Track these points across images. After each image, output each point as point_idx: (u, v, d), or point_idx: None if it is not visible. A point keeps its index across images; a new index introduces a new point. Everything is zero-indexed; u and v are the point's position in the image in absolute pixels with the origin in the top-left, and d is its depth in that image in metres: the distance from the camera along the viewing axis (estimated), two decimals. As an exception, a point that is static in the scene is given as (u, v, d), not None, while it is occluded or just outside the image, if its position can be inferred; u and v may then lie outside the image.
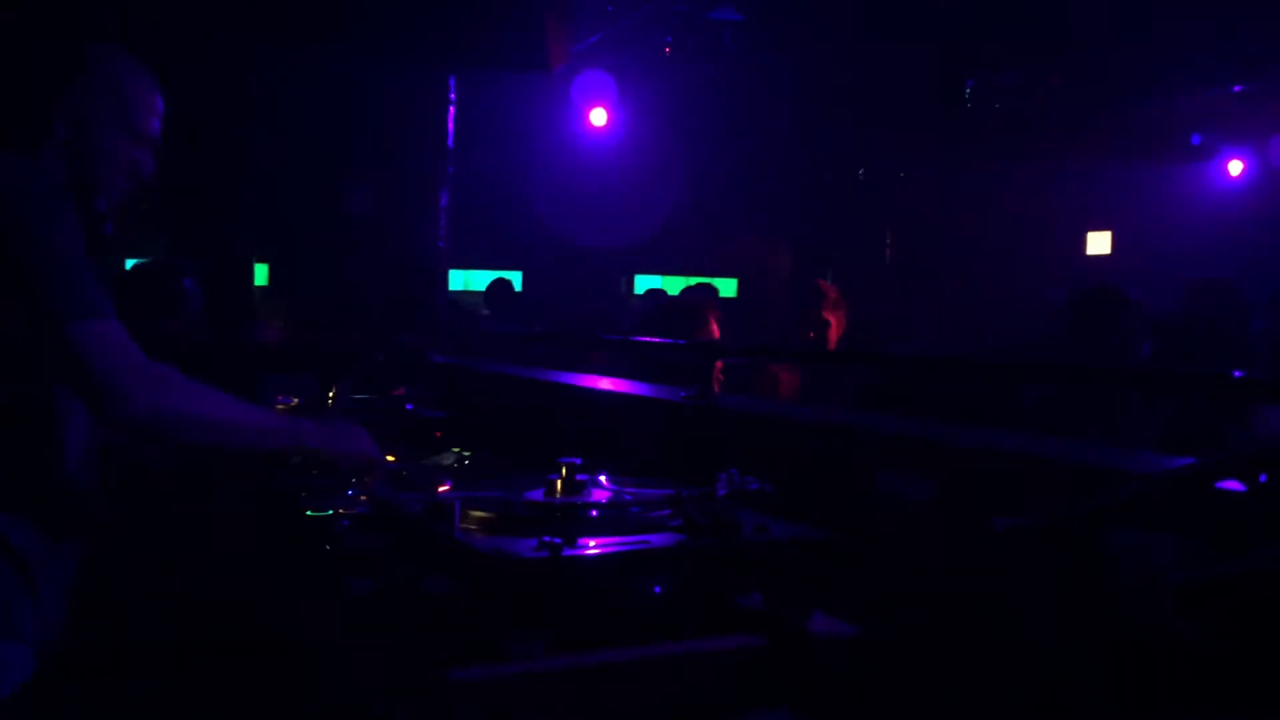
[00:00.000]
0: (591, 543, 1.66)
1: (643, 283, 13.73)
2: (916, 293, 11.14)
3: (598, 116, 9.42)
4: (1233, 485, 1.41)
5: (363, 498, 2.15)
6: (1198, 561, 1.31)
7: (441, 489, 2.08)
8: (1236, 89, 9.35)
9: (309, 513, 2.22)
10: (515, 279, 12.12)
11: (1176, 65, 8.57)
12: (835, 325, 5.33)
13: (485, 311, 9.11)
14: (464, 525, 1.76)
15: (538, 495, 1.90)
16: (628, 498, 1.90)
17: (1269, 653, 1.19)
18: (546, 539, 1.61)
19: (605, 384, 3.51)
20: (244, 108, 6.39)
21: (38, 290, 1.66)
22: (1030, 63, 8.78)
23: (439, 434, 2.99)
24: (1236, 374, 1.92)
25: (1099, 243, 13.59)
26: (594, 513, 1.81)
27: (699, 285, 8.08)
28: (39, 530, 1.81)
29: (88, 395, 1.68)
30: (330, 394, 3.39)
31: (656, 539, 1.71)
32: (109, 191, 1.95)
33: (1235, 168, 11.19)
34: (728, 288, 13.98)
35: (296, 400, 3.39)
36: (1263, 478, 1.36)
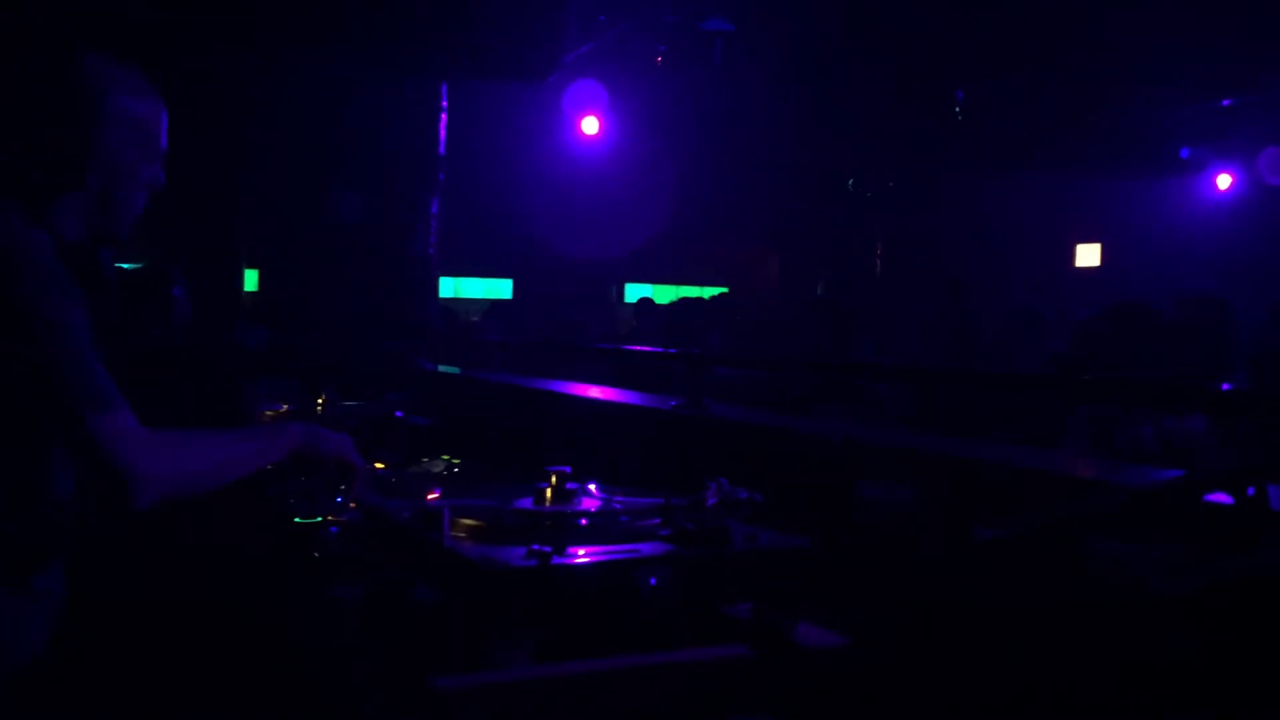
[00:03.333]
0: (581, 551, 1.66)
1: (633, 291, 13.75)
2: (905, 303, 11.16)
3: (589, 125, 9.43)
4: (1218, 498, 1.43)
5: (351, 505, 2.15)
6: (1182, 573, 1.31)
7: (431, 496, 2.08)
8: (1225, 103, 9.40)
9: (298, 519, 2.22)
10: (505, 287, 12.13)
11: (1166, 79, 8.61)
12: None
13: (475, 319, 9.11)
14: (453, 533, 1.76)
15: (527, 503, 1.90)
16: (617, 506, 1.90)
17: (1251, 661, 1.20)
18: (536, 547, 1.61)
19: (595, 392, 3.51)
20: (237, 114, 6.38)
21: (52, 383, 1.70)
22: (1020, 75, 8.81)
23: (428, 441, 2.99)
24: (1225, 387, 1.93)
25: (1088, 255, 13.65)
26: (583, 521, 1.81)
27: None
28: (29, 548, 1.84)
29: (107, 485, 1.72)
30: (319, 401, 3.39)
31: (646, 548, 1.72)
32: (133, 219, 1.98)
33: (1224, 181, 11.24)
34: (718, 296, 13.99)
35: (286, 407, 3.38)
36: (1249, 491, 1.37)
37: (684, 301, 7.75)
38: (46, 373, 1.70)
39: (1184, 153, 10.94)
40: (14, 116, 1.87)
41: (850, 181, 12.16)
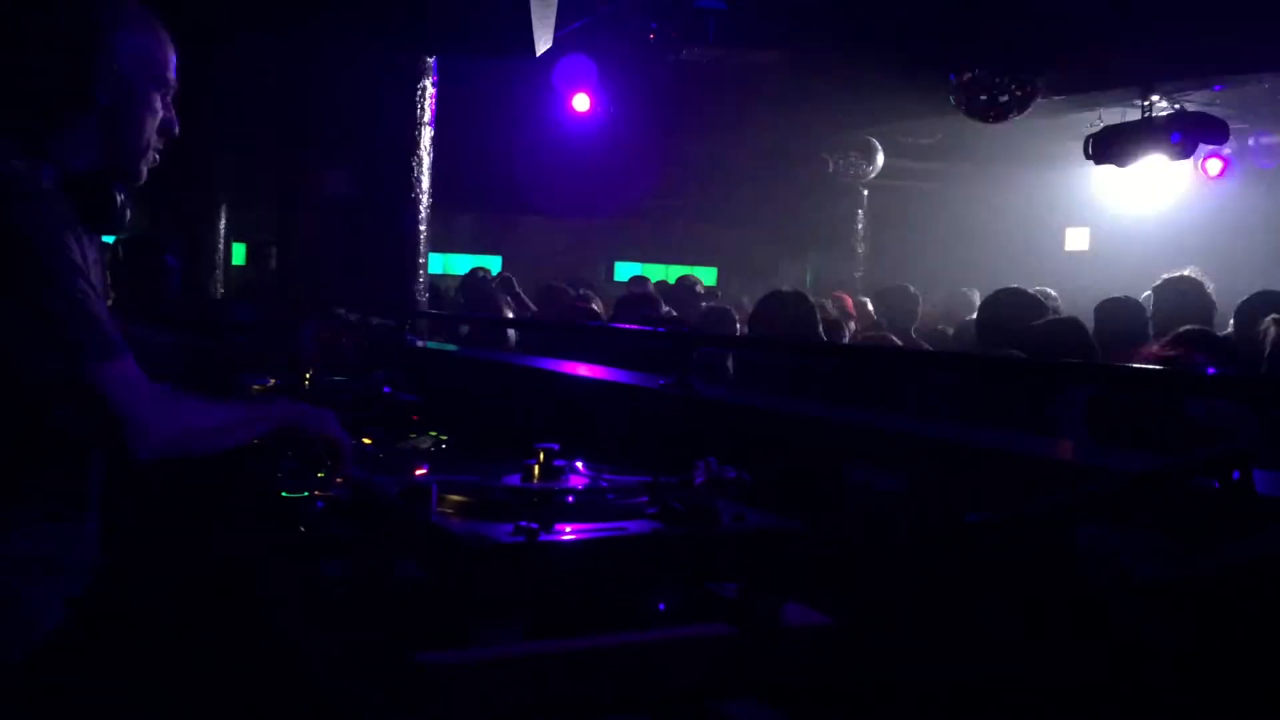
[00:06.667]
0: (568, 529, 1.66)
1: (623, 270, 13.74)
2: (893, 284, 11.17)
3: (580, 102, 9.38)
4: (1204, 483, 1.43)
5: (338, 480, 2.14)
6: (1168, 559, 1.32)
7: (418, 472, 2.08)
8: (1217, 88, 9.40)
9: (284, 494, 2.22)
10: (494, 264, 12.10)
11: (1157, 63, 8.60)
12: None
13: (461, 299, 9.08)
14: (440, 509, 1.76)
15: (515, 480, 1.90)
16: (605, 484, 1.90)
17: (1236, 649, 1.21)
18: (523, 524, 1.61)
19: (583, 370, 3.51)
20: (225, 89, 6.34)
21: (55, 331, 1.67)
22: (1010, 58, 8.80)
23: (416, 417, 2.98)
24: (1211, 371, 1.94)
25: (1077, 239, 13.67)
26: (571, 498, 1.81)
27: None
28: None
29: (109, 433, 1.71)
30: (306, 376, 3.37)
31: (633, 526, 1.72)
32: (147, 159, 1.95)
33: (1214, 167, 11.26)
34: (708, 276, 14.01)
35: (273, 381, 3.37)
36: (1235, 475, 1.37)
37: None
38: (43, 319, 1.67)
39: (1175, 137, 10.94)
40: (19, 39, 1.82)
41: (840, 163, 12.15)
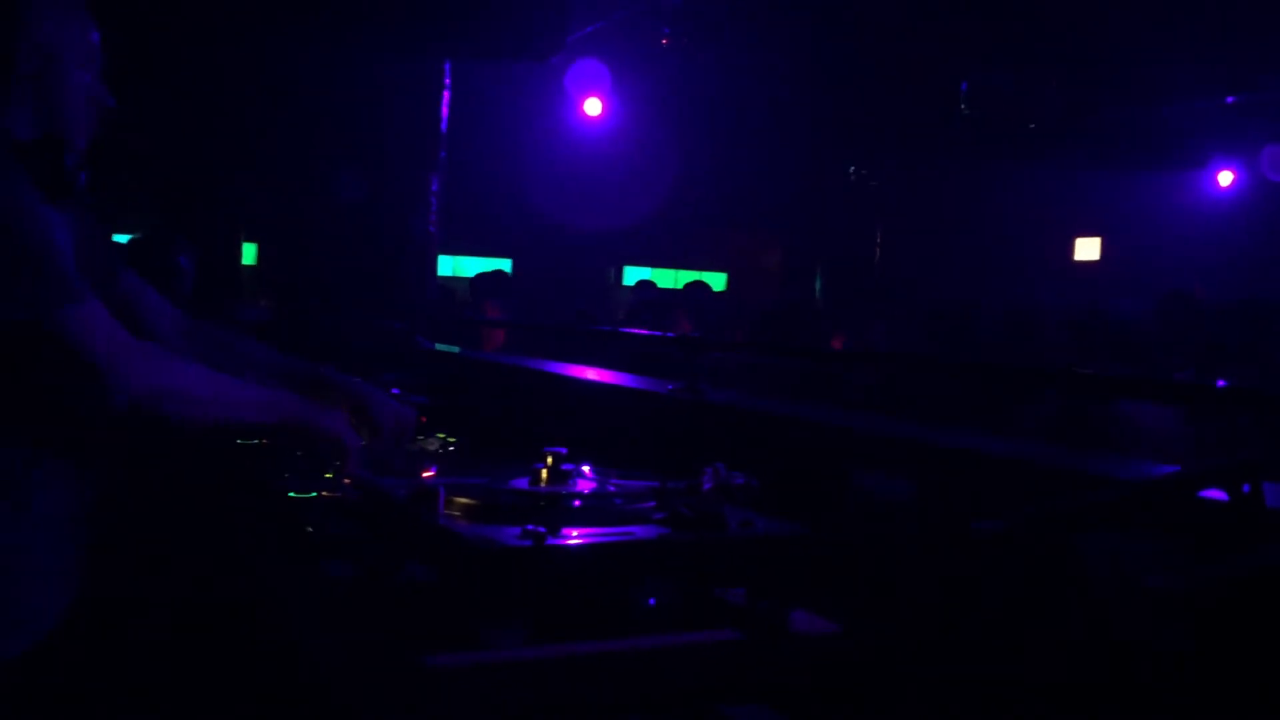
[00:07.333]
0: (575, 533, 1.66)
1: (632, 274, 13.73)
2: (903, 293, 11.15)
3: (592, 106, 9.39)
4: (1213, 494, 1.43)
5: (346, 481, 2.14)
6: (1174, 566, 1.31)
7: (426, 475, 2.08)
8: (1229, 100, 9.38)
9: (291, 494, 2.22)
10: (504, 267, 12.11)
11: (1170, 75, 8.59)
12: None
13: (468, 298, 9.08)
14: (447, 512, 1.76)
15: (523, 484, 1.90)
16: (612, 489, 1.90)
17: (1243, 658, 1.20)
18: (530, 528, 1.61)
19: (592, 374, 3.51)
20: (238, 89, 6.35)
21: (13, 282, 1.63)
22: (1025, 67, 8.79)
23: (424, 419, 2.98)
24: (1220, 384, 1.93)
25: (1087, 249, 13.63)
26: (578, 503, 1.81)
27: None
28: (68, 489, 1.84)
29: (82, 381, 1.66)
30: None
31: (640, 530, 1.72)
32: (82, 130, 1.94)
33: (1225, 178, 11.22)
34: (717, 282, 14.00)
35: None
36: (1245, 488, 1.37)
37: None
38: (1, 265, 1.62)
39: (1186, 148, 10.93)
40: None
41: (852, 170, 12.12)
